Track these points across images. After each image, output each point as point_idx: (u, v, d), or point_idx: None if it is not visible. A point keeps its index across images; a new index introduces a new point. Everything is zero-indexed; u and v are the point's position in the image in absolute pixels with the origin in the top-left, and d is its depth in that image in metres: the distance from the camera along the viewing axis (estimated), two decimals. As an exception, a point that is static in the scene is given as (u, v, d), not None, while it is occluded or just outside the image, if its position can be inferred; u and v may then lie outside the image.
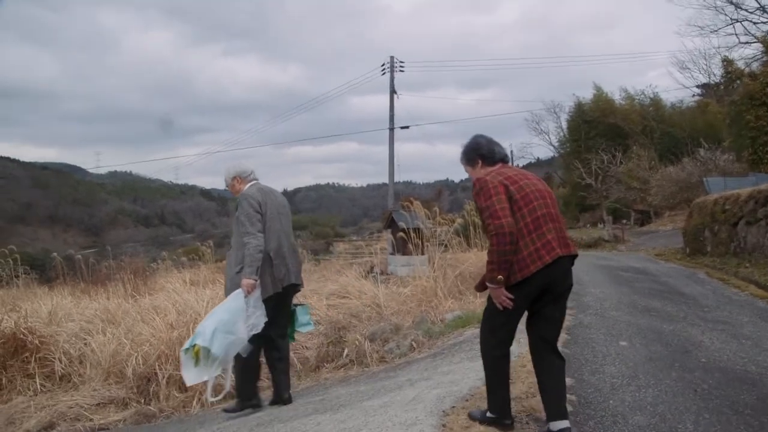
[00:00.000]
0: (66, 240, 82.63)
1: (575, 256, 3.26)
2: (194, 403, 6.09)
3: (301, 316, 4.80)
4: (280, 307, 4.46)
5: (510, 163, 3.47)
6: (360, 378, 5.07)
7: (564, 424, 3.10)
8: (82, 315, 10.15)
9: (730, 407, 3.50)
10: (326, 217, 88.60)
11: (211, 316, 4.15)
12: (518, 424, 3.26)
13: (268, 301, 4.28)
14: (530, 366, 4.31)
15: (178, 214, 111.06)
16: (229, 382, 4.29)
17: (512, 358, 4.63)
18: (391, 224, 19.03)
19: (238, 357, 4.26)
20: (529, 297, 3.11)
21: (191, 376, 4.02)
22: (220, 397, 4.34)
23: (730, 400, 3.63)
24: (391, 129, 29.25)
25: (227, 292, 4.38)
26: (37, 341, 8.08)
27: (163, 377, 6.48)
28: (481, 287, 3.24)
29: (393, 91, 29.77)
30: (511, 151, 50.65)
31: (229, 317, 4.01)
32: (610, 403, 3.54)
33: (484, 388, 3.72)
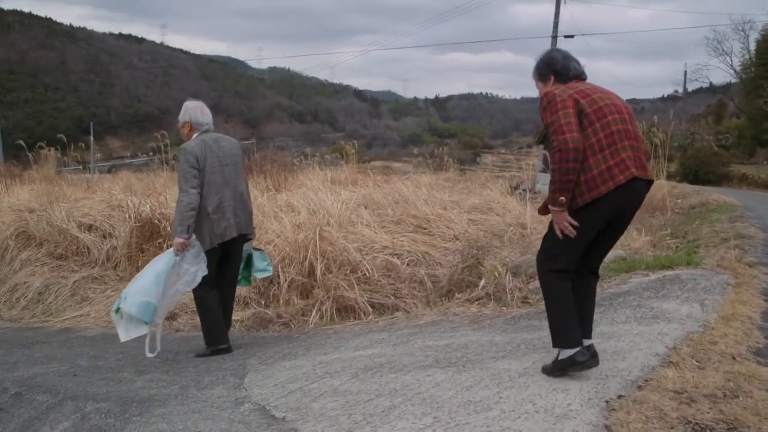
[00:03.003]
0: (227, 130, 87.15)
1: (651, 181, 2.96)
2: (313, 312, 5.63)
3: (258, 262, 4.87)
4: (227, 258, 4.47)
5: (586, 80, 3.08)
6: (496, 322, 4.23)
7: (589, 341, 2.97)
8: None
9: None
10: (476, 128, 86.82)
11: (138, 279, 4.27)
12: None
13: (210, 253, 4.26)
14: (723, 345, 3.26)
15: (331, 112, 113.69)
16: (159, 340, 4.31)
17: (696, 327, 3.61)
18: (543, 139, 17.61)
19: (199, 305, 4.47)
20: (597, 223, 2.81)
21: (123, 333, 4.16)
22: (154, 354, 4.27)
23: None
24: (554, 37, 26.79)
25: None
26: (170, 228, 8.07)
27: (285, 281, 6.08)
28: (543, 210, 2.96)
29: (561, -4, 27.04)
30: (685, 72, 45.08)
31: (151, 281, 4.11)
32: None
33: (663, 372, 2.80)
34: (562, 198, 2.71)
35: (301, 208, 8.61)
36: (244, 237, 4.57)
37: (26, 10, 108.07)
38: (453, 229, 8.91)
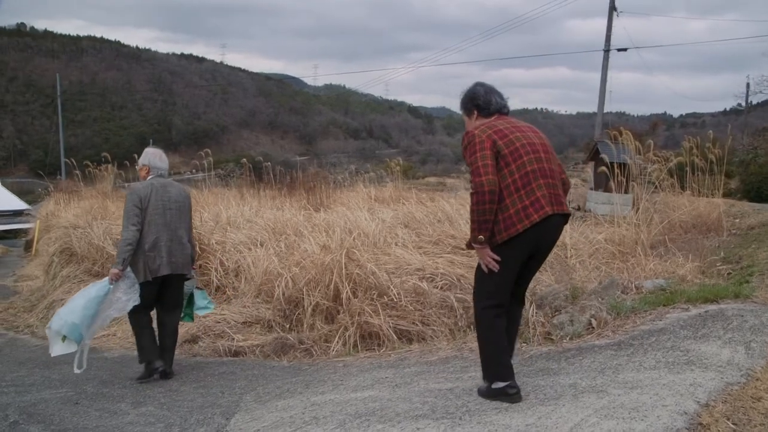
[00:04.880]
0: (283, 146, 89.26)
1: (568, 215, 3.16)
2: (336, 338, 5.39)
3: (199, 300, 5.25)
4: (165, 292, 4.80)
5: (508, 115, 3.29)
6: (512, 362, 3.86)
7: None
8: (256, 223, 9.97)
9: None
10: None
11: (70, 301, 4.63)
12: None
13: (147, 286, 4.58)
14: (768, 399, 2.82)
15: (386, 128, 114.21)
16: (85, 359, 4.54)
17: (737, 377, 3.16)
18: (594, 156, 16.94)
19: (133, 326, 4.81)
20: (518, 258, 3.02)
21: (55, 348, 4.53)
22: (81, 370, 4.53)
23: None
24: (606, 51, 25.86)
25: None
26: (198, 249, 7.97)
27: (310, 305, 5.85)
28: (469, 245, 3.14)
29: (613, 7, 26.11)
30: (747, 84, 42.83)
31: (81, 305, 4.44)
32: None
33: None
34: (481, 236, 2.92)
35: (336, 227, 8.37)
36: (183, 276, 4.90)
37: (98, 35, 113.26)
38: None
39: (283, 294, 6.22)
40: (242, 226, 9.54)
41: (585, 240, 8.36)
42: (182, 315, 5.18)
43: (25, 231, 20.47)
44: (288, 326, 6.05)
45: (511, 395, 3.03)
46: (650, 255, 6.38)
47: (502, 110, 3.25)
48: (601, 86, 25.88)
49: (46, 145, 59.06)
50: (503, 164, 2.96)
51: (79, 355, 4.49)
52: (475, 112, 3.25)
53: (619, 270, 5.88)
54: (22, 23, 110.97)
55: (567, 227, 8.97)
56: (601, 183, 13.13)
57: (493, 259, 2.95)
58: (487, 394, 3.14)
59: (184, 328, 6.43)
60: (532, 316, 4.49)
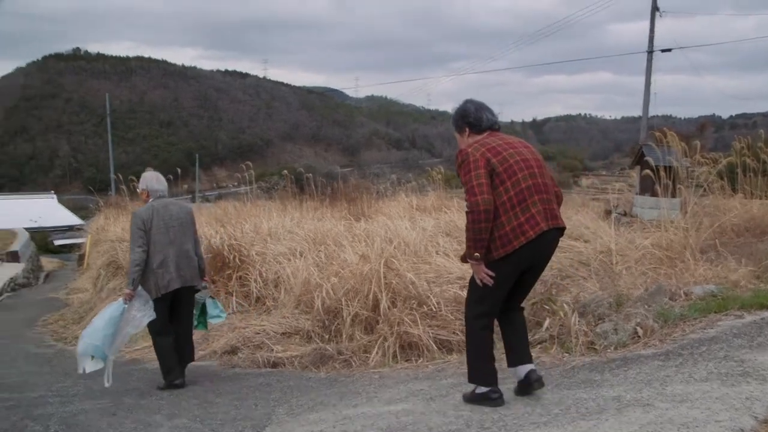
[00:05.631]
0: (326, 158, 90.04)
1: (563, 228, 3.17)
2: (375, 349, 5.31)
3: (211, 309, 5.47)
4: (178, 306, 5.09)
5: (499, 131, 3.31)
6: (552, 373, 3.68)
7: (530, 366, 3.22)
8: (297, 234, 9.97)
9: None
10: (574, 150, 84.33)
11: (91, 324, 4.88)
12: None
13: (159, 302, 4.87)
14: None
15: (428, 138, 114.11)
16: (110, 374, 4.78)
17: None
18: (640, 159, 16.47)
19: (156, 349, 5.12)
20: (513, 273, 3.06)
21: (87, 366, 4.74)
22: (109, 384, 4.77)
23: None
24: (650, 52, 25.23)
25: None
26: (238, 260, 8.02)
27: (349, 315, 5.78)
28: (464, 259, 3.22)
29: (655, 8, 25.45)
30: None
31: (101, 327, 4.69)
32: None
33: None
34: (477, 254, 2.97)
35: (377, 237, 8.30)
36: (193, 288, 5.17)
37: (146, 55, 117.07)
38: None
39: (323, 304, 6.16)
40: (283, 237, 9.56)
41: (631, 246, 8.07)
42: (196, 324, 5.44)
43: (78, 245, 21.19)
44: (327, 337, 6.00)
45: (493, 400, 3.14)
46: (700, 260, 6.10)
47: (493, 126, 3.28)
48: (645, 89, 25.25)
49: (99, 162, 61.07)
50: (498, 182, 2.99)
51: (107, 371, 4.77)
52: (467, 130, 3.28)
53: (666, 276, 5.63)
54: (77, 48, 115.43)
55: (612, 233, 8.76)
56: (647, 187, 12.71)
57: (488, 275, 3.00)
58: (472, 398, 3.26)
59: (224, 339, 6.47)
60: (575, 324, 4.31)
